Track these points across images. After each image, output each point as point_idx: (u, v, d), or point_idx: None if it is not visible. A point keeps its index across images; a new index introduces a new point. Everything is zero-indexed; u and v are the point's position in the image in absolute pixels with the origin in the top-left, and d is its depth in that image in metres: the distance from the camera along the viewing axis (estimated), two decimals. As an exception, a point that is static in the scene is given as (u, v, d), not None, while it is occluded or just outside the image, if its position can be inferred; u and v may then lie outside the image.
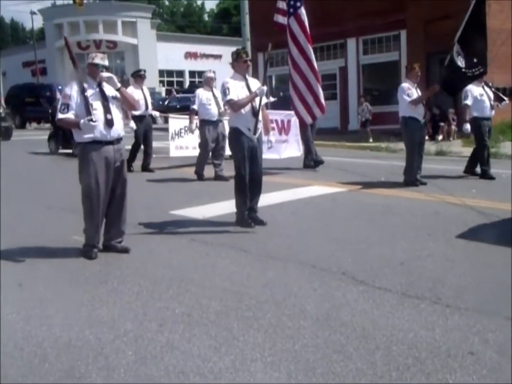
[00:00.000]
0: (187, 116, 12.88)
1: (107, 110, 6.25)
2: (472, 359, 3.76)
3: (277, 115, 13.07)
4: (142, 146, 13.41)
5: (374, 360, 3.76)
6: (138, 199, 8.57)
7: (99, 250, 6.39)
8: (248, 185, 7.60)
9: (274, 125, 12.83)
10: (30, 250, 6.56)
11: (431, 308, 4.68)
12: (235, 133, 7.59)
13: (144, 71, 14.17)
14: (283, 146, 13.14)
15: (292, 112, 13.13)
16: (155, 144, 14.09)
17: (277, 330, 4.28)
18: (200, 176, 11.89)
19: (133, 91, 12.82)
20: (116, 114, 6.36)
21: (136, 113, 12.72)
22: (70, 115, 6.21)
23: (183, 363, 3.76)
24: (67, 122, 6.35)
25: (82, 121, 6.09)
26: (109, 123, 6.23)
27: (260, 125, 7.66)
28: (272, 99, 7.82)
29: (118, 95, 6.47)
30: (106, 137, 6.25)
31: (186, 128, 13.16)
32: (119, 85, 6.41)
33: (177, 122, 13.36)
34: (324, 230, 7.77)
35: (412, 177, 10.75)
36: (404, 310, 4.67)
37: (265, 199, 8.27)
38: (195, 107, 11.83)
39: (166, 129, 14.63)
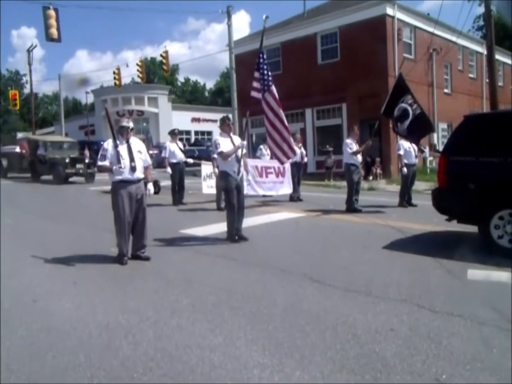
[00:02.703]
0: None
1: (132, 160, 6.28)
2: (392, 334, 3.77)
3: (276, 163, 12.96)
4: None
5: (325, 336, 3.75)
6: (159, 221, 8.53)
7: (128, 258, 6.33)
8: (235, 211, 7.62)
9: (272, 170, 12.86)
10: (81, 257, 6.51)
11: (365, 299, 4.69)
12: (224, 174, 7.63)
13: (178, 130, 13.58)
14: (278, 186, 13.07)
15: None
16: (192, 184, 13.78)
17: (256, 316, 4.26)
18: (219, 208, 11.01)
19: (169, 145, 12.67)
20: (139, 162, 6.37)
21: (173, 160, 12.56)
22: (106, 163, 6.28)
23: (188, 339, 3.73)
24: (104, 168, 6.39)
25: (114, 167, 6.18)
26: (133, 169, 6.26)
27: (242, 169, 7.70)
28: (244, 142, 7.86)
29: (141, 149, 6.50)
30: (130, 179, 6.27)
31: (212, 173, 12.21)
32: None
33: (207, 167, 13.03)
34: (290, 244, 7.77)
35: (351, 206, 10.79)
36: (346, 301, 4.67)
37: (248, 222, 8.25)
38: (215, 156, 11.28)
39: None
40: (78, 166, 20.60)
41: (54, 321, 4.23)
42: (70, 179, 20.88)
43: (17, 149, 25.28)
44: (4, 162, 24.51)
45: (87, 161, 20.80)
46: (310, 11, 26.45)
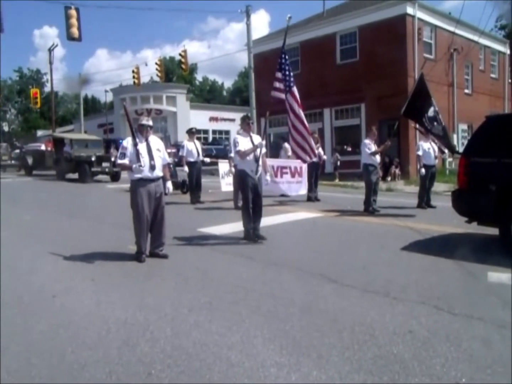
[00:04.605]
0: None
1: (151, 158, 6.31)
2: (410, 336, 3.74)
3: (292, 163, 12.96)
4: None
5: (342, 337, 3.74)
6: (177, 220, 8.56)
7: (146, 256, 6.38)
8: (252, 210, 7.61)
9: (288, 170, 12.82)
10: (100, 254, 6.57)
11: (383, 300, 4.66)
12: (242, 173, 7.62)
13: (195, 128, 13.52)
14: (294, 186, 13.00)
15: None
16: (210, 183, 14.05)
17: (273, 315, 4.26)
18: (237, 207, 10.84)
19: (187, 144, 12.73)
20: (158, 160, 6.39)
21: (191, 159, 12.64)
22: (126, 161, 6.31)
23: (205, 337, 3.75)
24: (123, 166, 6.45)
25: (134, 165, 6.21)
26: (152, 167, 6.29)
27: (260, 168, 7.69)
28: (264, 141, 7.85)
29: (160, 148, 6.53)
30: (149, 177, 6.30)
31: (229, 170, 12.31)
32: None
33: (224, 165, 13.06)
34: (307, 243, 7.75)
35: (369, 206, 10.73)
36: (364, 301, 4.65)
37: (266, 221, 8.24)
38: (231, 155, 11.16)
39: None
40: (104, 164, 20.36)
41: (73, 316, 4.27)
42: (96, 178, 20.73)
43: (42, 147, 25.38)
44: (29, 160, 24.61)
45: (113, 159, 20.37)
46: (330, 10, 26.36)
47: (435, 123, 10.05)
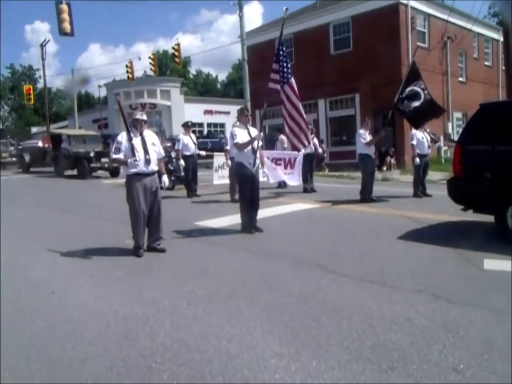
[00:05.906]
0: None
1: (146, 152, 6.29)
2: (408, 324, 3.77)
3: (287, 155, 12.98)
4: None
5: (340, 326, 3.76)
6: (174, 213, 8.55)
7: (144, 250, 6.38)
8: (249, 202, 7.62)
9: (282, 162, 12.81)
10: (98, 250, 6.57)
11: (380, 289, 4.68)
12: (240, 166, 7.62)
13: (191, 122, 13.49)
14: (285, 177, 12.95)
15: (298, 153, 13.05)
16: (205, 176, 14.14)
17: (271, 306, 4.28)
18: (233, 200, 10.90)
19: (182, 137, 12.64)
20: (153, 155, 6.38)
21: (187, 153, 12.61)
22: (121, 155, 6.30)
23: (204, 330, 3.76)
24: (118, 161, 6.47)
25: (129, 160, 6.19)
26: (147, 162, 6.28)
27: (257, 161, 7.69)
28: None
29: (155, 142, 6.51)
30: (144, 171, 6.29)
31: (224, 163, 12.48)
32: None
33: (220, 158, 13.03)
34: (304, 234, 7.76)
35: (365, 196, 10.76)
36: (361, 291, 4.67)
37: (262, 213, 8.24)
38: (227, 147, 11.25)
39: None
40: (103, 160, 20.02)
41: (72, 312, 4.28)
42: (95, 173, 20.53)
43: (39, 144, 25.22)
44: (26, 157, 24.45)
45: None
46: (323, 1, 26.21)
47: (406, 101, 10.35)
